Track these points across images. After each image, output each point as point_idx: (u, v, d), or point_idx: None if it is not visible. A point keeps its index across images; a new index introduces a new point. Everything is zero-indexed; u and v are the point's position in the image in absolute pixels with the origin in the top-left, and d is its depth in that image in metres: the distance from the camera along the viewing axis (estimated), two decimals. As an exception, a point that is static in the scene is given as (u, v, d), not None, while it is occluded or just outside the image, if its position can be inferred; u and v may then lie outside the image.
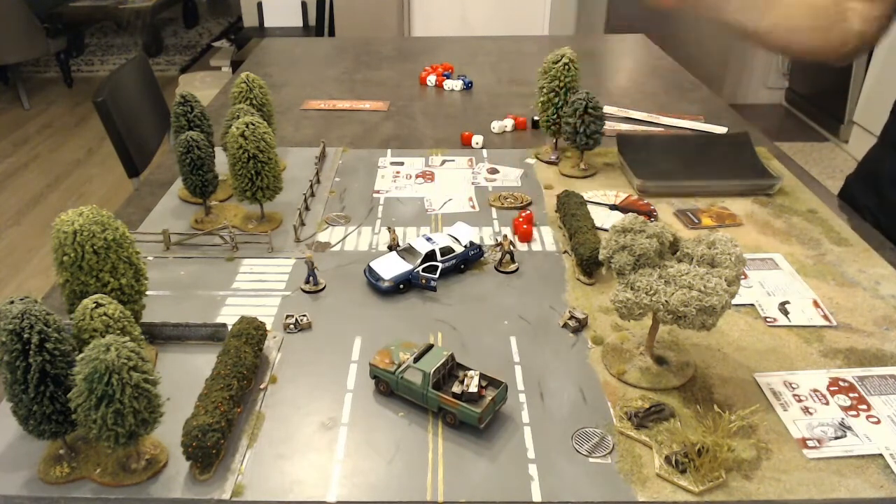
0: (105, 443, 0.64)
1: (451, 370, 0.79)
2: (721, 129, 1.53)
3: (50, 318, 0.65)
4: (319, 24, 4.17)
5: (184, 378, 0.82)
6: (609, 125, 1.45)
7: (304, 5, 4.32)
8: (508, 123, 1.55)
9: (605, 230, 1.11)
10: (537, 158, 1.40)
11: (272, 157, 1.06)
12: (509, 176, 1.33)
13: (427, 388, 0.76)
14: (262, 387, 0.82)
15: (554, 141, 1.41)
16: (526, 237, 1.11)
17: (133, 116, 2.10)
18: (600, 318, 0.93)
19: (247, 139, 1.03)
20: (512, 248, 1.04)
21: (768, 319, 0.93)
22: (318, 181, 1.30)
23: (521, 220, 1.13)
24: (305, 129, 1.58)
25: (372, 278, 0.99)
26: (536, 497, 0.68)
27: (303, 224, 1.16)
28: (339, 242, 1.12)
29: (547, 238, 1.12)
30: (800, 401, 0.79)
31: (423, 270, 0.98)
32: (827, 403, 0.79)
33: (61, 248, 0.77)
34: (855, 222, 1.16)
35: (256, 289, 1.00)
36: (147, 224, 1.17)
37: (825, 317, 0.93)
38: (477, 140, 1.46)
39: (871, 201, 1.22)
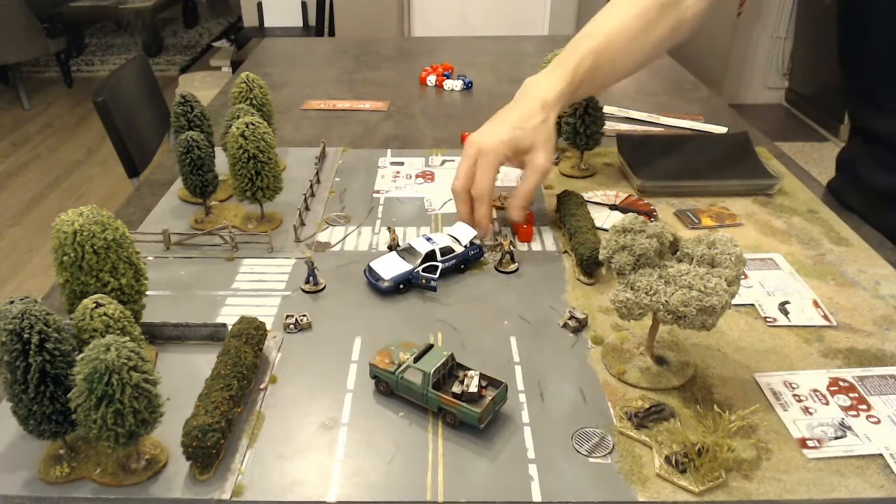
0: (105, 443, 0.64)
1: (451, 370, 0.79)
2: (721, 129, 1.53)
3: (50, 318, 0.65)
4: (319, 24, 4.17)
5: (184, 378, 0.82)
6: (609, 125, 1.45)
7: (304, 5, 4.32)
8: None
9: (605, 230, 1.11)
10: (537, 158, 1.39)
11: (272, 157, 1.06)
12: (509, 176, 1.33)
13: (427, 388, 0.76)
14: (262, 387, 0.82)
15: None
16: (526, 237, 1.11)
17: (133, 116, 2.10)
18: (600, 318, 0.93)
19: (247, 139, 1.03)
20: (512, 248, 1.04)
21: (768, 319, 0.93)
22: (318, 181, 1.30)
23: (525, 228, 1.13)
24: (305, 129, 1.58)
25: (372, 278, 0.99)
26: (536, 497, 0.68)
27: (303, 224, 1.16)
28: (339, 242, 1.12)
29: (547, 238, 1.12)
30: (800, 401, 0.79)
31: (423, 270, 0.98)
32: (827, 403, 0.79)
33: (61, 248, 0.77)
34: (855, 222, 1.16)
35: (256, 289, 1.00)
36: (147, 224, 1.17)
37: (825, 317, 0.93)
38: (477, 140, 1.46)
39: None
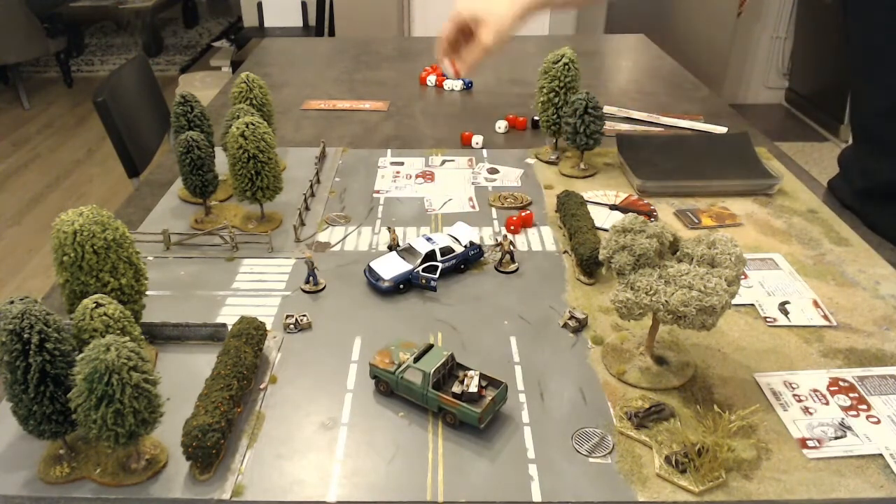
0: (105, 443, 0.64)
1: (451, 370, 0.79)
2: (721, 129, 1.53)
3: (50, 318, 0.65)
4: (319, 24, 4.17)
5: (184, 378, 0.82)
6: (609, 125, 1.45)
7: (304, 5, 4.32)
8: (502, 125, 1.55)
9: (605, 230, 1.11)
10: (537, 158, 1.40)
11: (272, 157, 1.06)
12: (509, 176, 1.33)
13: (427, 388, 0.76)
14: (262, 387, 0.82)
15: (554, 141, 1.41)
16: (521, 225, 1.13)
17: (133, 116, 2.10)
18: (600, 318, 0.93)
19: (247, 139, 1.03)
20: (512, 248, 1.04)
21: (768, 319, 0.93)
22: (318, 181, 1.30)
23: (515, 219, 1.14)
24: (305, 129, 1.58)
25: (372, 278, 0.99)
26: (536, 497, 0.68)
27: (303, 224, 1.16)
28: (339, 242, 1.12)
29: (547, 238, 1.12)
30: (800, 401, 0.79)
31: (423, 270, 0.98)
32: (827, 403, 0.79)
33: (61, 248, 0.77)
34: (855, 222, 1.16)
35: (256, 289, 1.00)
36: (147, 224, 1.17)
37: (825, 317, 0.93)
38: (477, 140, 1.46)
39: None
